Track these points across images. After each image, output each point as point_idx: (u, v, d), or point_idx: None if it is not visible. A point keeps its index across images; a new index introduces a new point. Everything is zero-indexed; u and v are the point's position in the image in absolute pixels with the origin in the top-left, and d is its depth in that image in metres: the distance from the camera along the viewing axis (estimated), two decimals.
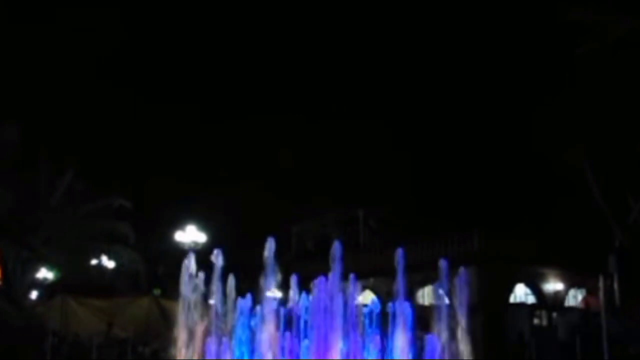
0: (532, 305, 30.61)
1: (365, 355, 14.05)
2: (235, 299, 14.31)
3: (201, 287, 14.14)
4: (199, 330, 13.72)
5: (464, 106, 38.95)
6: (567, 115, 27.66)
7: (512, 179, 34.00)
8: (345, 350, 13.24)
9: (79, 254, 33.36)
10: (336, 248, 13.34)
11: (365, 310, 15.09)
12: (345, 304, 13.42)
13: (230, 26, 49.22)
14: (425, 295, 32.52)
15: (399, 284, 14.19)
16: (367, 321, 14.75)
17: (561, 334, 24.56)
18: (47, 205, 30.92)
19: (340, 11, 45.52)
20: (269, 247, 13.54)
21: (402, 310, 13.91)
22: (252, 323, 13.96)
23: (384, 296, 32.70)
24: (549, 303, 30.55)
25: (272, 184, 41.39)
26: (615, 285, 25.95)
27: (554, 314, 28.89)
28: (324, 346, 12.90)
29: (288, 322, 14.59)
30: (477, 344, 26.51)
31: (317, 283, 13.49)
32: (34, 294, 33.25)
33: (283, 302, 15.20)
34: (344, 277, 13.68)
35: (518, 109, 31.82)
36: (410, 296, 32.26)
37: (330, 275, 13.30)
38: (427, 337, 13.60)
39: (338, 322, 13.05)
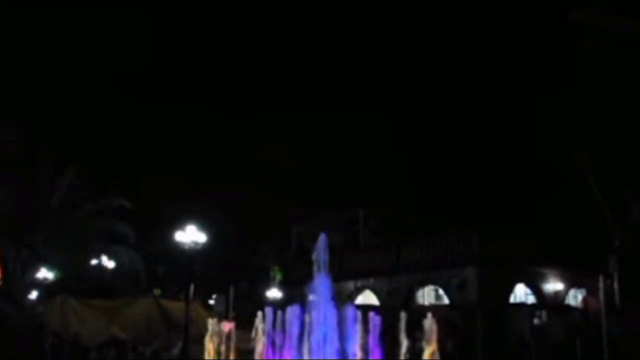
0: (532, 305, 30.59)
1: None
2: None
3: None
4: None
5: (463, 107, 38.96)
6: (567, 116, 27.67)
7: (512, 179, 33.97)
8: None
9: (79, 254, 33.39)
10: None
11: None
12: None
13: (231, 26, 49.24)
14: (425, 295, 32.53)
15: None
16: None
17: (555, 337, 24.55)
18: (47, 205, 30.94)
19: (341, 11, 45.55)
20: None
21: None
22: None
23: (384, 296, 32.73)
24: (549, 303, 30.53)
25: (272, 184, 41.41)
26: (615, 285, 25.95)
27: (542, 314, 28.90)
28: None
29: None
30: (477, 344, 26.57)
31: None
32: (34, 294, 33.25)
33: (284, 302, 15.28)
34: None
35: (518, 109, 31.83)
36: (410, 296, 32.34)
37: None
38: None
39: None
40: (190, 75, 48.44)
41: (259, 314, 16.36)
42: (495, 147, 35.30)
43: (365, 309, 17.68)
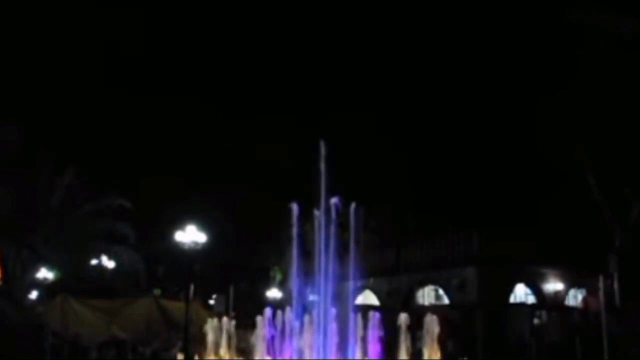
0: (532, 305, 30.62)
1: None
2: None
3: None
4: None
5: (463, 107, 38.91)
6: (568, 116, 27.67)
7: (512, 179, 33.96)
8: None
9: (79, 254, 33.39)
10: None
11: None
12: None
13: (231, 26, 49.20)
14: (425, 295, 32.53)
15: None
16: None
17: (555, 337, 24.60)
18: (47, 205, 30.94)
19: (341, 10, 45.51)
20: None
21: None
22: None
23: (384, 296, 32.74)
24: (549, 303, 30.56)
25: (272, 184, 41.34)
26: (615, 285, 25.96)
27: (542, 314, 28.92)
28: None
29: None
30: (477, 344, 26.54)
31: None
32: (34, 294, 33.25)
33: (283, 302, 15.32)
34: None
35: (518, 109, 31.80)
36: (410, 296, 32.36)
37: None
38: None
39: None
40: (191, 75, 48.38)
41: (259, 317, 16.38)
42: (495, 147, 35.27)
43: (365, 309, 17.70)
